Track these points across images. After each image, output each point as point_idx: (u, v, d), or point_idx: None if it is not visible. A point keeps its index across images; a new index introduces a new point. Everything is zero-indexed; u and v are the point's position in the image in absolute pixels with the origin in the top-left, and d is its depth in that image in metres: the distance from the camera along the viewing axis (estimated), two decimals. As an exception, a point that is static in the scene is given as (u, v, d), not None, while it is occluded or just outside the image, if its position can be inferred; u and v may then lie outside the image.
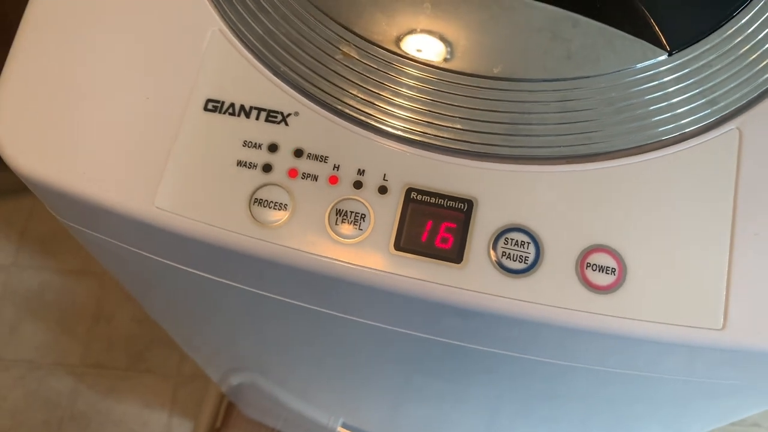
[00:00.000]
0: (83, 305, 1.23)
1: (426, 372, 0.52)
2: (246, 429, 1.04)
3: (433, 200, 0.33)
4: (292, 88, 0.35)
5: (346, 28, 0.35)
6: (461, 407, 0.65)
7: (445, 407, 0.67)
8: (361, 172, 0.33)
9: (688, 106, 0.34)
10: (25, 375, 1.18)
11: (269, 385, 0.82)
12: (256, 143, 0.34)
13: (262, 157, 0.34)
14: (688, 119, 0.34)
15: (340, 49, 0.35)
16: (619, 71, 0.34)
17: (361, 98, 0.34)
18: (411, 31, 0.35)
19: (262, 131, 0.34)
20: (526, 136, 0.33)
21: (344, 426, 0.91)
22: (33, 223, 1.29)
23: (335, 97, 0.34)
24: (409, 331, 0.38)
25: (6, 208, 1.30)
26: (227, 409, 1.07)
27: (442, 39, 0.35)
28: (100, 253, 0.45)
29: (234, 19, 0.35)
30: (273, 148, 0.34)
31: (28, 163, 0.35)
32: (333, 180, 0.33)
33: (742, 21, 0.35)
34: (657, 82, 0.34)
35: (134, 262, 0.42)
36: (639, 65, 0.34)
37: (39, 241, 1.28)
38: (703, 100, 0.34)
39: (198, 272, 0.38)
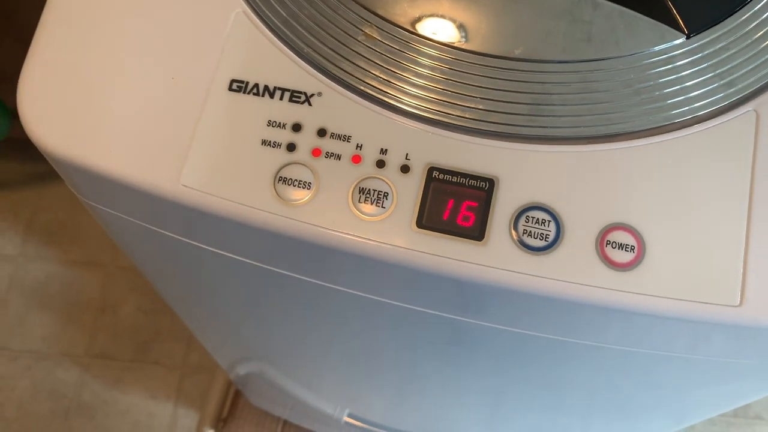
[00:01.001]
0: (89, 296, 1.24)
1: (437, 356, 0.52)
2: (252, 419, 1.05)
3: (454, 179, 0.33)
4: (315, 69, 0.35)
5: (369, 10, 0.36)
6: (466, 395, 0.65)
7: (450, 394, 0.67)
8: (383, 152, 0.34)
9: (706, 88, 0.34)
10: (32, 365, 1.18)
11: (278, 374, 0.83)
12: (280, 123, 0.34)
13: (286, 136, 0.34)
14: (706, 101, 0.34)
15: (362, 31, 0.35)
16: (637, 53, 0.35)
17: (383, 79, 0.35)
18: (433, 13, 0.36)
19: (286, 111, 0.35)
20: (548, 116, 0.34)
21: (350, 416, 0.92)
22: (39, 215, 1.30)
23: (358, 78, 0.35)
24: (427, 310, 0.39)
25: (12, 200, 1.30)
26: (233, 399, 1.08)
27: (464, 20, 0.36)
28: (119, 234, 0.46)
29: (257, 1, 0.36)
30: (297, 127, 0.34)
31: (53, 141, 0.35)
32: (356, 159, 0.34)
33: (759, 5, 0.36)
34: (675, 65, 0.35)
35: (154, 242, 0.42)
36: (657, 47, 0.35)
37: (45, 232, 1.28)
38: (720, 82, 0.34)
39: (220, 251, 0.39)
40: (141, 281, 1.22)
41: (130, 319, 1.22)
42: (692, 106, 0.34)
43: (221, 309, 0.57)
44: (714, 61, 0.35)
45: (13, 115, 1.12)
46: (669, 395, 0.49)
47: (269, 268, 0.38)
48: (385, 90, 0.35)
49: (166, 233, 0.39)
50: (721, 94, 0.34)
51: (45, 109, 0.35)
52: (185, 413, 1.16)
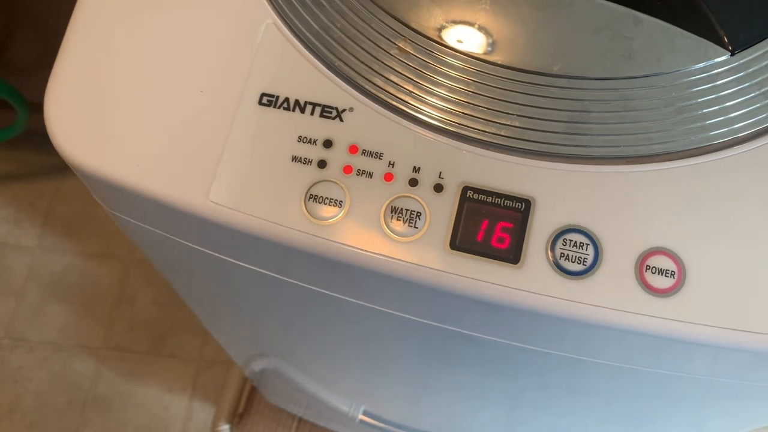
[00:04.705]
0: (106, 288, 1.24)
1: (459, 365, 0.52)
2: (268, 415, 1.05)
3: (489, 199, 0.32)
4: (346, 83, 0.34)
5: (403, 23, 0.35)
6: (484, 398, 0.65)
7: (468, 397, 0.67)
8: (416, 170, 0.33)
9: (750, 107, 0.33)
10: (48, 357, 1.19)
11: (293, 372, 0.83)
12: (311, 139, 0.34)
13: (317, 152, 0.33)
14: (750, 120, 0.33)
15: (395, 44, 0.35)
16: (680, 71, 0.34)
17: (416, 94, 0.34)
18: (468, 27, 0.35)
19: (316, 126, 0.34)
20: (586, 135, 0.33)
21: (366, 414, 0.92)
22: (56, 207, 1.30)
23: (390, 93, 0.34)
24: (454, 328, 0.38)
25: (30, 192, 1.31)
26: (249, 394, 1.08)
27: (501, 36, 0.35)
28: (144, 242, 0.45)
29: (288, 13, 0.35)
30: (328, 143, 0.34)
31: (81, 155, 0.35)
32: (388, 177, 0.33)
33: (806, 20, 0.34)
34: (719, 83, 0.34)
35: (180, 252, 0.42)
36: (700, 65, 0.34)
37: (62, 224, 1.29)
38: (765, 101, 0.33)
39: (246, 265, 0.38)
40: (158, 274, 1.22)
41: (147, 312, 1.23)
42: (736, 125, 0.33)
43: (237, 312, 0.56)
44: (759, 79, 0.34)
45: (31, 107, 1.12)
46: (690, 411, 0.49)
47: (298, 283, 0.38)
48: (418, 106, 0.34)
49: (193, 246, 0.38)
50: (766, 114, 0.33)
51: (73, 123, 0.35)
52: (201, 407, 1.17)
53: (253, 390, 1.08)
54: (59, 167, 1.32)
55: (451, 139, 0.33)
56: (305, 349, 0.66)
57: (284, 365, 0.82)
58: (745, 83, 0.34)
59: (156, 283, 1.24)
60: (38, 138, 1.25)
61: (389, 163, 0.33)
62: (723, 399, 0.44)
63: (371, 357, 0.60)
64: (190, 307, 0.66)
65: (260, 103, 0.34)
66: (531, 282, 0.31)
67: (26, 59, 1.14)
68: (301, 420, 1.04)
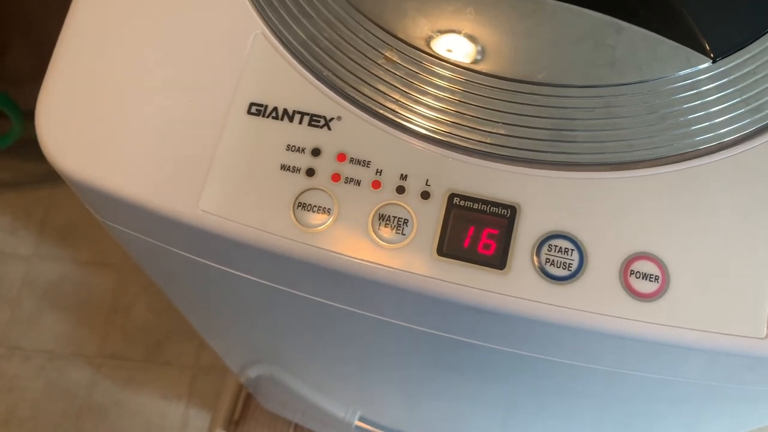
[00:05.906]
0: (101, 296, 1.24)
1: (450, 369, 0.52)
2: (264, 421, 1.05)
3: (475, 206, 0.33)
4: (334, 92, 0.35)
5: (390, 33, 0.35)
6: (479, 402, 0.65)
7: (462, 401, 0.67)
8: (403, 177, 0.33)
9: (731, 114, 0.34)
10: (44, 365, 1.19)
11: (288, 378, 0.83)
12: (299, 147, 0.34)
13: (305, 161, 0.34)
14: (731, 127, 0.34)
15: (383, 54, 0.35)
16: (662, 78, 0.34)
17: (403, 103, 0.34)
18: (454, 37, 0.35)
19: (305, 135, 0.34)
20: (570, 142, 0.33)
21: (361, 419, 0.92)
22: (52, 215, 1.30)
23: (378, 102, 0.34)
24: (442, 333, 0.39)
25: (25, 200, 1.31)
26: (245, 401, 1.08)
27: (486, 44, 0.35)
28: (135, 250, 0.46)
29: (276, 23, 0.36)
30: (316, 152, 0.34)
31: (72, 165, 0.35)
32: (376, 185, 0.33)
33: (787, 28, 0.35)
34: (700, 90, 0.34)
35: (171, 260, 0.42)
36: (682, 72, 0.34)
37: (58, 232, 1.29)
38: (746, 108, 0.34)
39: (237, 272, 0.39)
40: (153, 282, 1.22)
41: (142, 319, 1.23)
42: (718, 132, 0.34)
43: (231, 320, 0.57)
44: (740, 86, 0.34)
45: (26, 116, 1.12)
46: (683, 414, 0.49)
47: (288, 290, 0.38)
48: (405, 114, 0.34)
49: (184, 254, 0.39)
50: (748, 120, 0.34)
51: (64, 133, 0.35)
52: (197, 414, 1.17)
53: (249, 396, 1.08)
54: (55, 176, 1.31)
55: (437, 147, 0.34)
56: (300, 355, 0.67)
57: (279, 371, 0.82)
58: (727, 90, 0.34)
59: (151, 290, 1.24)
60: (34, 147, 1.24)
61: (377, 171, 0.34)
62: (718, 402, 0.44)
63: (367, 364, 0.60)
64: (184, 314, 0.67)
65: (249, 112, 0.35)
66: (516, 287, 0.32)
67: (21, 68, 1.14)
68: (297, 426, 1.05)
